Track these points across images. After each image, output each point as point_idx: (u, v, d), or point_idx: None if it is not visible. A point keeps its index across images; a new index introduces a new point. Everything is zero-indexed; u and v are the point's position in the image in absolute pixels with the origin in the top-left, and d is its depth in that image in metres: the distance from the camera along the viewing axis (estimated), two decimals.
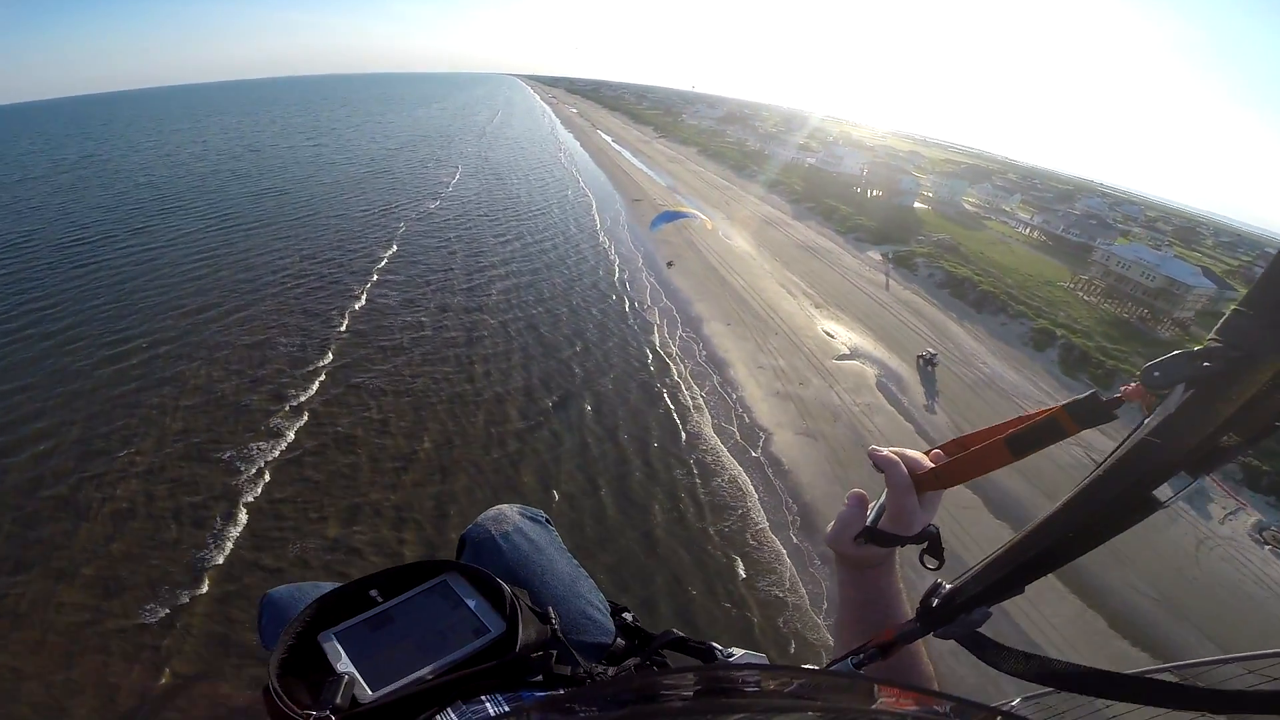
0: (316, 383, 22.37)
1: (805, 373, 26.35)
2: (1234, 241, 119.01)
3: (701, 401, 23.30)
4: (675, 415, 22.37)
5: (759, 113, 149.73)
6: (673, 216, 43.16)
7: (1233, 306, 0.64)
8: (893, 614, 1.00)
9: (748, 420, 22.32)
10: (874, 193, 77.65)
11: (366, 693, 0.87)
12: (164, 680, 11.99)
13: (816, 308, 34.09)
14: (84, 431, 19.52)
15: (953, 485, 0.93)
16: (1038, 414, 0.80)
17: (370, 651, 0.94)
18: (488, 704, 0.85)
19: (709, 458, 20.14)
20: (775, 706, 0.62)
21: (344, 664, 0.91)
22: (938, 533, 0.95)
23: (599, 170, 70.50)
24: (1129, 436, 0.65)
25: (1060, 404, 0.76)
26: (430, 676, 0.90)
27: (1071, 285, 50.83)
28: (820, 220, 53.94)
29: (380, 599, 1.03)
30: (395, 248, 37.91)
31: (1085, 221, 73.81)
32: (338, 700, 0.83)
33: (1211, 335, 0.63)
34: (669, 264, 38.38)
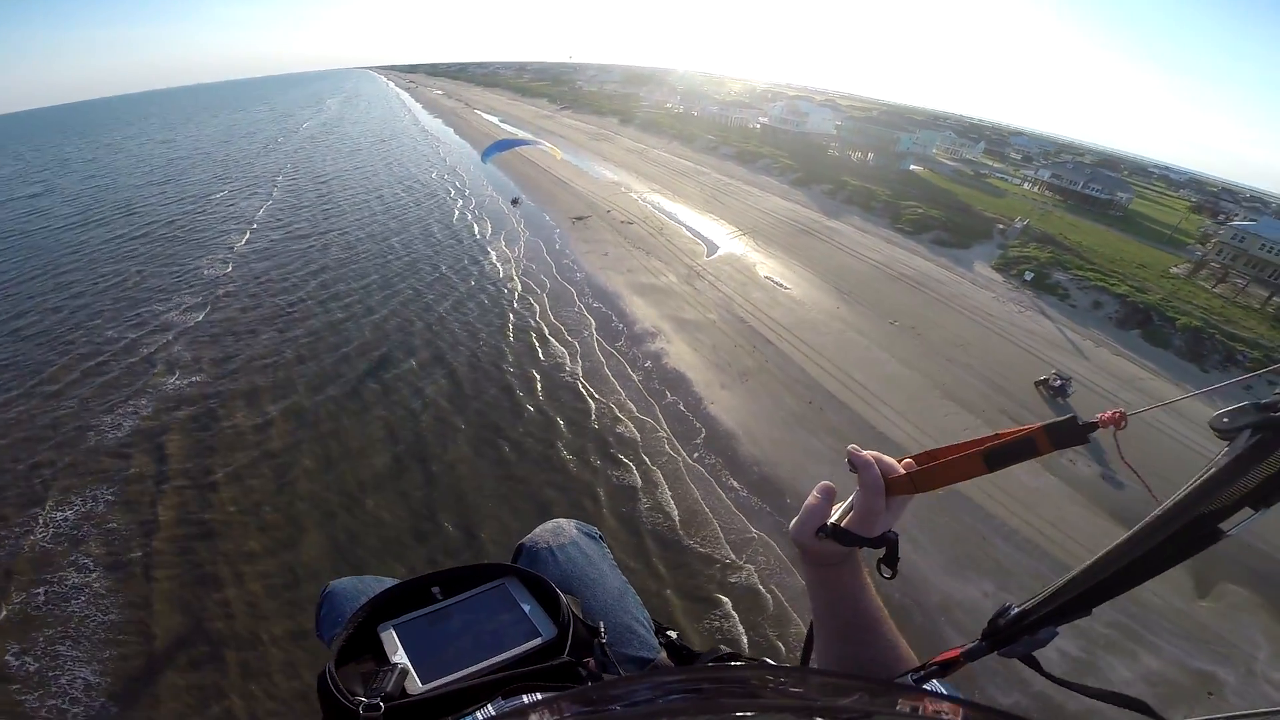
0: None
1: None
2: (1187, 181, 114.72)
3: None
4: None
5: (651, 75, 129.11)
6: (508, 145, 29.35)
7: None
8: (862, 610, 0.98)
9: None
10: (857, 155, 60.98)
11: (417, 684, 0.87)
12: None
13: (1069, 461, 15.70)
14: None
15: (924, 491, 0.93)
16: (1015, 431, 0.85)
17: (426, 645, 0.95)
18: (524, 698, 0.85)
19: None
20: (829, 712, 0.61)
21: (399, 655, 0.92)
22: (896, 539, 0.94)
23: (500, 172, 44.23)
24: (1200, 473, 0.70)
25: (1040, 424, 0.81)
26: (479, 674, 0.90)
27: (1185, 273, 37.43)
28: (862, 214, 35.71)
29: (441, 596, 1.04)
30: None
31: (1101, 174, 61.18)
32: (388, 689, 0.83)
33: None
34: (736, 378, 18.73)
